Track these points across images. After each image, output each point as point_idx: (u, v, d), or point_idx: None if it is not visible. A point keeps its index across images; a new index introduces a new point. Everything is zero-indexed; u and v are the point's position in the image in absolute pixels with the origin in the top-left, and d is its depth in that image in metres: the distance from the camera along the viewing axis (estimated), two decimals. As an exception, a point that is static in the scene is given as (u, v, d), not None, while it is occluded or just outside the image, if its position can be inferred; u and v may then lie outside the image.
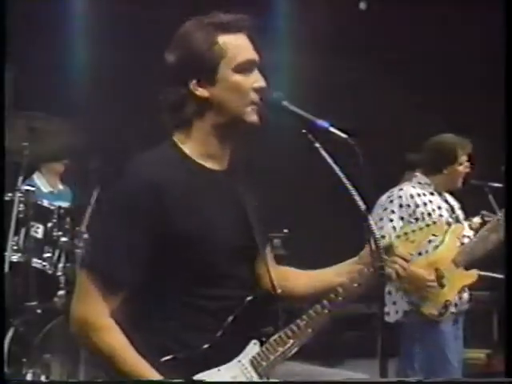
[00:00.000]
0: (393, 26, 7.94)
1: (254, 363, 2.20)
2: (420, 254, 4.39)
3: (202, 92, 2.18)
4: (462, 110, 7.42)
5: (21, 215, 4.49)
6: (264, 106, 2.20)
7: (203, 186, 2.18)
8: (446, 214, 4.47)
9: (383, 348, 2.26)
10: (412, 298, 4.42)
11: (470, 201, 4.72)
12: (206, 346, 2.14)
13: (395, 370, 5.37)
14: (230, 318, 2.17)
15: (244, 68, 2.19)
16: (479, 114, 7.27)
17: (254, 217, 2.26)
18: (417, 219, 2.30)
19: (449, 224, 4.45)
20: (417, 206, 4.37)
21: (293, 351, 2.23)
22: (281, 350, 2.21)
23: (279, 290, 2.29)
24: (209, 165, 2.22)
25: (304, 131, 2.17)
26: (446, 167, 4.49)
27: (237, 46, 2.19)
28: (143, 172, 2.12)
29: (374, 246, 2.13)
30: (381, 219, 4.38)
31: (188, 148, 2.21)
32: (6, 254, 4.32)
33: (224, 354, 2.18)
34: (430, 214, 4.38)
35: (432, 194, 4.49)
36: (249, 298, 2.20)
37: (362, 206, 2.10)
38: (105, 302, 2.09)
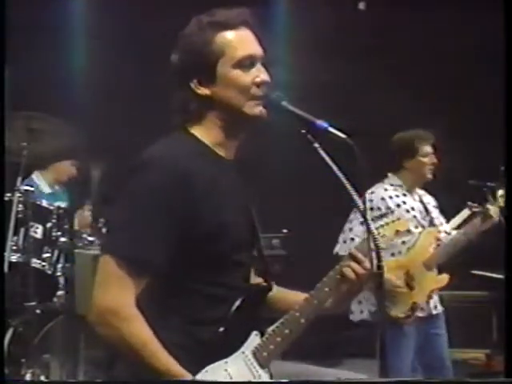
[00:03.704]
0: (392, 26, 7.94)
1: (256, 354, 2.22)
2: (393, 254, 4.40)
3: (203, 91, 2.19)
4: (461, 110, 7.42)
5: (20, 215, 4.49)
6: (266, 101, 2.20)
7: (219, 173, 2.20)
8: (418, 216, 4.46)
9: (382, 348, 2.27)
10: (378, 300, 4.39)
11: (469, 200, 4.72)
12: (216, 335, 2.14)
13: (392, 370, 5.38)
14: (234, 308, 2.18)
15: (244, 63, 2.19)
16: (479, 114, 7.26)
17: (255, 206, 2.30)
18: (382, 215, 2.32)
19: (423, 227, 4.44)
20: (388, 208, 4.34)
21: (290, 341, 2.24)
22: (279, 339, 2.23)
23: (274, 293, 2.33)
24: (220, 152, 2.24)
25: (303, 131, 2.17)
26: (406, 161, 4.49)
27: (236, 41, 2.19)
28: (170, 157, 2.12)
29: (373, 246, 2.14)
30: (350, 221, 4.39)
31: (200, 134, 2.23)
32: (6, 254, 4.32)
33: (230, 345, 2.19)
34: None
35: (405, 194, 4.48)
36: (248, 289, 2.23)
37: (361, 206, 2.10)
38: (130, 288, 2.04)
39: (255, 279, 2.35)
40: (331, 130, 2.15)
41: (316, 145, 2.15)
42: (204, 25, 2.20)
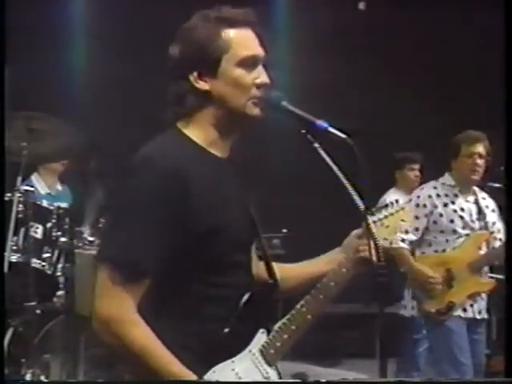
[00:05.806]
0: (392, 26, 7.95)
1: (264, 352, 2.21)
2: (436, 251, 4.41)
3: (202, 85, 2.17)
4: (461, 111, 7.42)
5: (20, 215, 4.49)
6: (265, 103, 2.19)
7: (214, 172, 2.18)
8: (466, 217, 4.42)
9: (382, 348, 2.27)
10: (417, 293, 4.44)
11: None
12: (221, 335, 2.14)
13: (395, 370, 5.38)
14: (239, 308, 2.17)
15: (247, 63, 2.17)
16: (479, 115, 7.27)
17: (253, 205, 2.28)
18: (387, 205, 2.32)
19: (471, 228, 4.40)
20: (435, 206, 4.38)
21: (298, 337, 2.24)
22: (285, 336, 2.23)
23: (279, 277, 2.30)
24: (213, 151, 2.21)
25: (303, 131, 2.17)
26: (452, 161, 4.50)
27: (241, 40, 2.18)
28: (163, 159, 2.09)
29: (373, 246, 2.14)
30: None
31: (192, 134, 2.20)
32: (6, 254, 4.32)
33: (237, 345, 2.19)
34: (449, 217, 4.38)
35: (456, 195, 4.45)
36: (252, 288, 2.20)
37: (361, 206, 2.10)
38: (129, 295, 2.04)
39: (260, 276, 2.33)
40: (331, 130, 2.14)
41: (316, 145, 2.14)
42: (211, 19, 2.18)
